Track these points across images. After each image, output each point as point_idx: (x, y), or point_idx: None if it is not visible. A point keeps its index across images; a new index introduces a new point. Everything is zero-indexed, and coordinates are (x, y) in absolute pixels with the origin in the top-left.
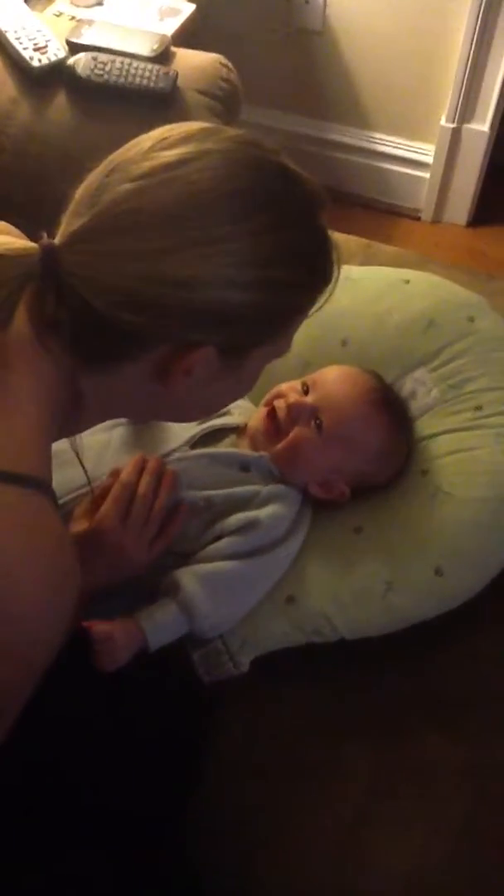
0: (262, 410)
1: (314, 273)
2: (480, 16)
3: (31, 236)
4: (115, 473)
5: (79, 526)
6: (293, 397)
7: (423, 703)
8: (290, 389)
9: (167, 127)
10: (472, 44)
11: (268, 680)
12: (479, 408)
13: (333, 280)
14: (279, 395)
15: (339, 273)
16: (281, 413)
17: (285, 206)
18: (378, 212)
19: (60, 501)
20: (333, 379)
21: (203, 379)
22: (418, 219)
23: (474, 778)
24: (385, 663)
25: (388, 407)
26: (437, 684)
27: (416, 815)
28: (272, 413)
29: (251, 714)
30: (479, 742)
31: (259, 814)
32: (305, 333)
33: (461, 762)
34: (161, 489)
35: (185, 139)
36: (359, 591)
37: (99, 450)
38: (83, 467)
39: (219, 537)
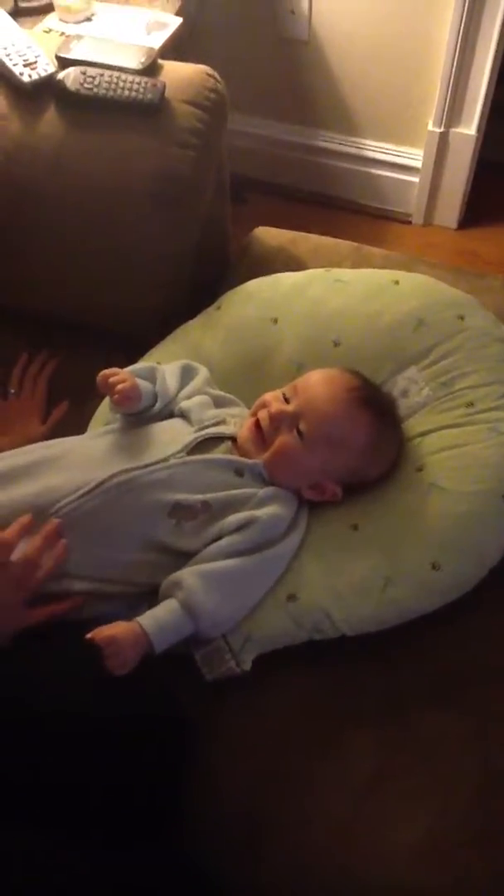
0: (249, 421)
1: None
2: (464, 21)
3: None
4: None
5: None
6: (275, 406)
7: (426, 683)
8: (273, 399)
9: None
10: (456, 48)
11: (270, 667)
12: (470, 404)
13: None
14: (263, 406)
15: None
16: (264, 423)
17: None
18: (369, 217)
19: (58, 506)
20: (313, 383)
21: None
22: (409, 223)
23: (482, 752)
24: (386, 646)
25: (369, 403)
26: (439, 664)
27: (426, 790)
28: (257, 423)
29: (253, 701)
30: (486, 718)
31: (263, 793)
32: (298, 336)
33: (469, 736)
34: (49, 556)
35: None
36: (358, 586)
37: (94, 455)
38: None
39: (218, 538)
